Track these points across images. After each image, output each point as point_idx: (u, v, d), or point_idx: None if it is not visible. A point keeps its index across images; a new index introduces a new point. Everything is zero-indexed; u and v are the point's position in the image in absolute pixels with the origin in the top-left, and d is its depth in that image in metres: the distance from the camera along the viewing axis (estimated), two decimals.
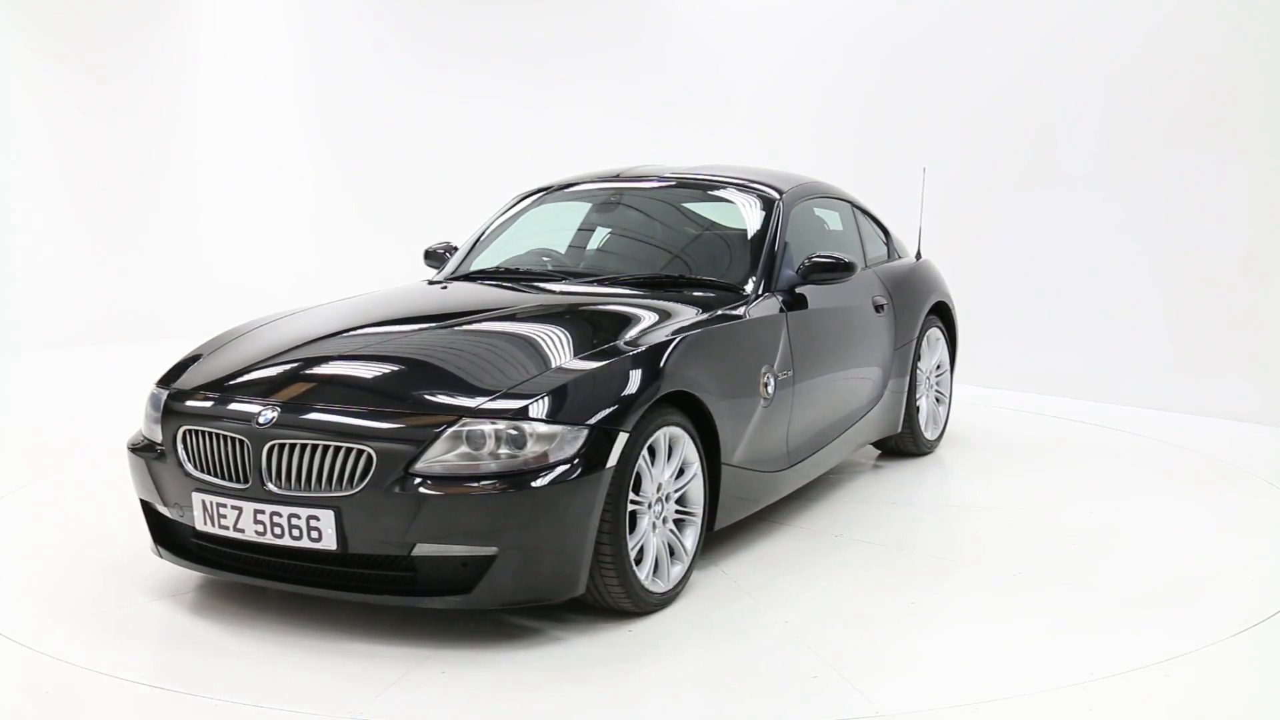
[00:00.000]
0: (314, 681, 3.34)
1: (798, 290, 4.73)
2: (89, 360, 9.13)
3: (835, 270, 4.67)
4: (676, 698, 3.31)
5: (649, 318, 4.18)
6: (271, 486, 3.52)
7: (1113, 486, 5.45)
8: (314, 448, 3.50)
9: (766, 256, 4.72)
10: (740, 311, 4.39)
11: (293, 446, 3.52)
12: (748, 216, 4.93)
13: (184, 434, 3.76)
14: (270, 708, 3.18)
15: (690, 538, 3.96)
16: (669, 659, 3.54)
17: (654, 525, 3.79)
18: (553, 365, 3.72)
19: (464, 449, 3.42)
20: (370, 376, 3.77)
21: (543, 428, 3.45)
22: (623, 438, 3.55)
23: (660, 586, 3.81)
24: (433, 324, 4.22)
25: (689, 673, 3.45)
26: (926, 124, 8.13)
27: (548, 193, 5.50)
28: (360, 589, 3.51)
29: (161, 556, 3.93)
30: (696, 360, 3.96)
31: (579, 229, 5.32)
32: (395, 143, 10.78)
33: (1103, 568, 4.35)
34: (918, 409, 5.75)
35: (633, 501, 3.67)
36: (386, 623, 3.72)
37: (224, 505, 3.58)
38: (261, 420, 3.58)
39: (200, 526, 3.67)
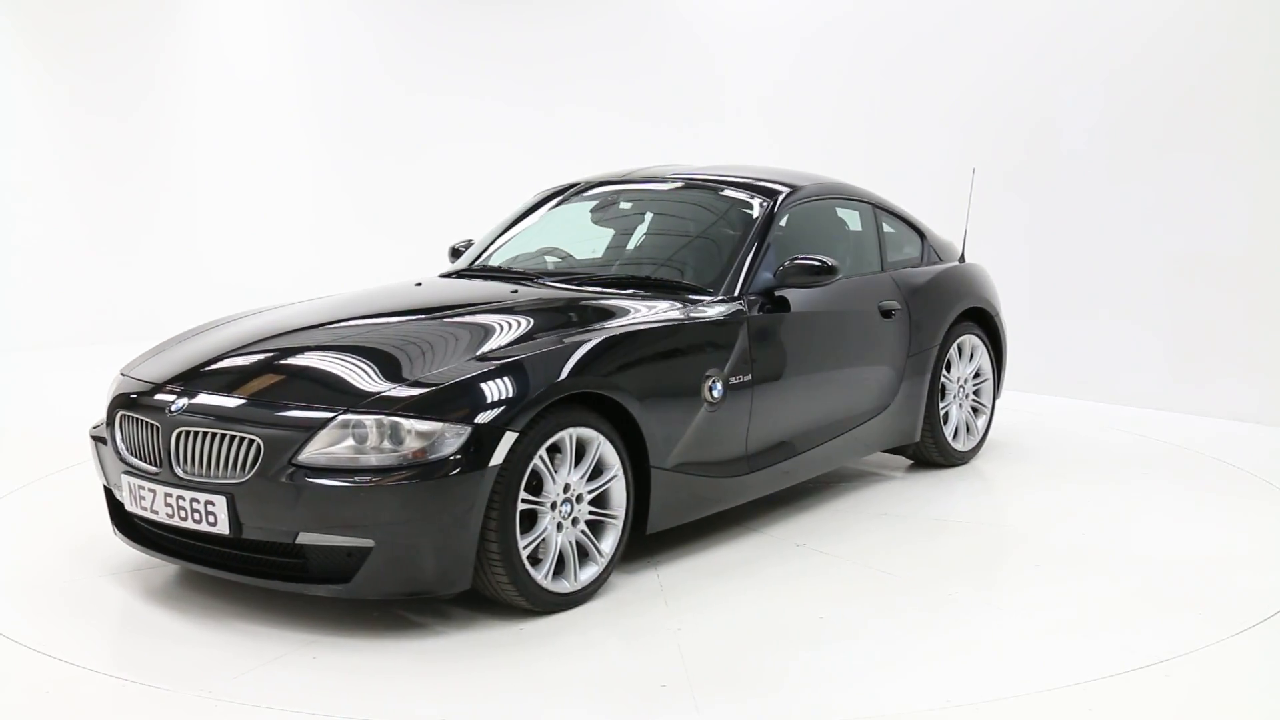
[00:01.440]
0: (188, 656, 3.54)
1: (778, 293, 4.67)
2: (89, 360, 9.12)
3: (814, 274, 4.61)
4: (515, 697, 3.29)
5: (586, 318, 4.24)
6: (179, 471, 3.72)
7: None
8: (213, 435, 3.68)
9: (740, 259, 4.68)
10: (683, 315, 4.36)
11: (196, 434, 3.71)
12: (735, 219, 4.91)
13: (120, 419, 4.00)
14: (135, 681, 3.33)
15: (609, 540, 3.97)
16: (536, 660, 3.52)
17: (559, 525, 3.81)
18: (459, 362, 3.80)
19: (349, 442, 3.54)
20: (282, 370, 3.92)
21: (421, 424, 3.54)
22: (510, 437, 3.59)
23: (565, 587, 3.84)
24: (374, 322, 4.35)
25: (543, 675, 3.42)
26: (928, 124, 8.13)
27: (570, 191, 5.49)
28: (257, 573, 3.67)
29: (118, 537, 4.14)
30: (617, 362, 3.97)
31: (580, 229, 5.34)
32: (395, 143, 10.78)
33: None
34: (944, 418, 5.59)
35: (532, 501, 3.71)
36: (286, 606, 3.85)
37: (144, 488, 3.80)
38: (174, 408, 3.79)
39: (128, 508, 3.92)
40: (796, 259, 4.65)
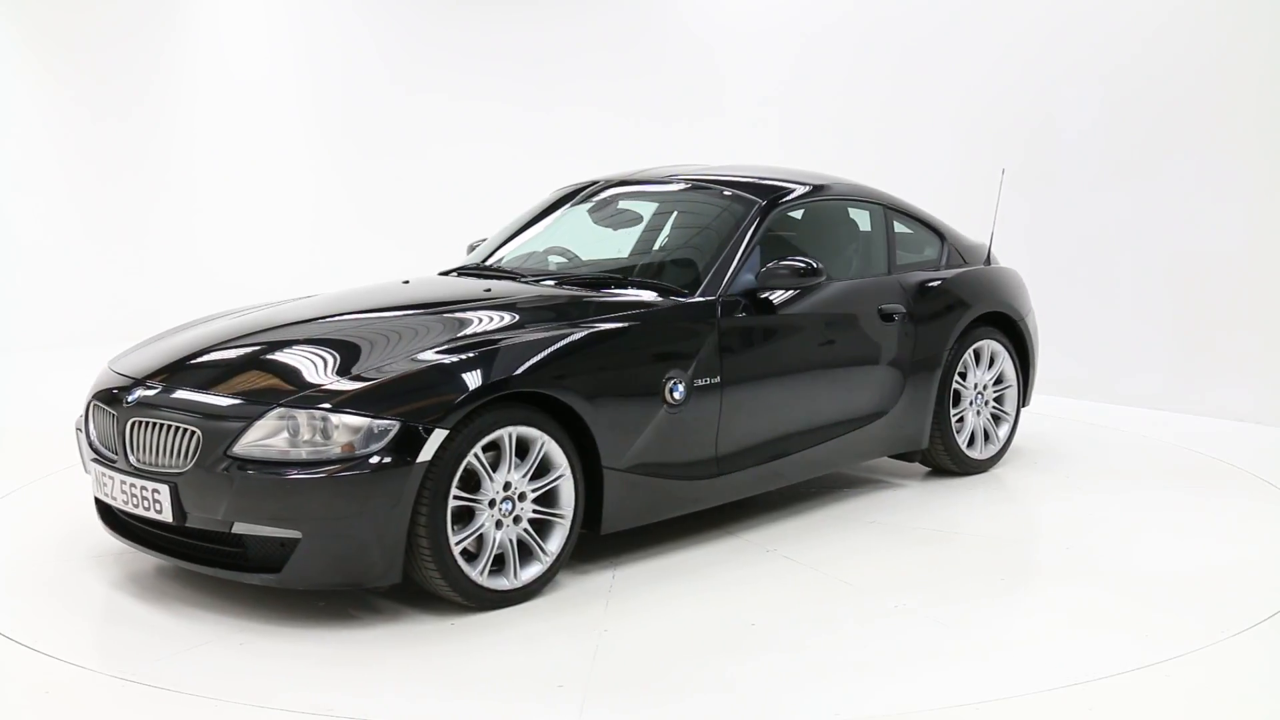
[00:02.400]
0: (121, 638, 3.71)
1: (762, 295, 4.64)
2: (89, 360, 9.09)
3: (797, 276, 4.58)
4: (406, 689, 3.34)
5: (543, 317, 4.26)
6: (132, 460, 3.87)
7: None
8: (160, 426, 3.82)
9: (719, 261, 4.65)
10: (645, 316, 4.35)
11: (146, 424, 3.86)
12: (724, 221, 4.89)
13: (91, 409, 4.17)
14: (68, 662, 3.44)
15: (556, 540, 3.99)
16: (446, 654, 3.57)
17: (498, 523, 3.84)
18: (399, 360, 3.85)
19: (283, 435, 3.64)
20: (238, 365, 4.03)
21: (350, 419, 3.61)
22: (439, 435, 3.64)
23: (504, 584, 3.87)
24: (343, 319, 4.39)
25: (446, 670, 3.46)
26: (927, 124, 8.13)
27: (587, 190, 5.46)
28: (202, 560, 3.81)
29: (101, 527, 4.25)
30: (565, 362, 3.98)
31: (587, 229, 5.34)
32: (395, 143, 10.78)
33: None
34: (957, 425, 5.43)
35: (467, 498, 3.75)
36: (227, 592, 3.97)
37: (106, 475, 3.98)
38: (129, 399, 3.94)
39: (95, 494, 4.10)
40: (778, 261, 4.62)
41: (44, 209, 9.89)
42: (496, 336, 4.01)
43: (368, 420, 3.61)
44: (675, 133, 9.35)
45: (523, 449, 3.89)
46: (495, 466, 3.83)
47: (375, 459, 3.57)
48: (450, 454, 3.67)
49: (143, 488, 3.79)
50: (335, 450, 3.58)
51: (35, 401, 7.71)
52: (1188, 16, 7.00)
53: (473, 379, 3.76)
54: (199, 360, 4.09)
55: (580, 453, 4.03)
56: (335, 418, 3.61)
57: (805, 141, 8.72)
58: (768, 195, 4.96)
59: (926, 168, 8.04)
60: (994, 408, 5.67)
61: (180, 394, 3.88)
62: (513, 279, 4.90)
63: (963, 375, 5.46)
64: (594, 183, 5.51)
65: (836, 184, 5.35)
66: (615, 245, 5.35)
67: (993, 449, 5.66)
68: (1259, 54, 6.74)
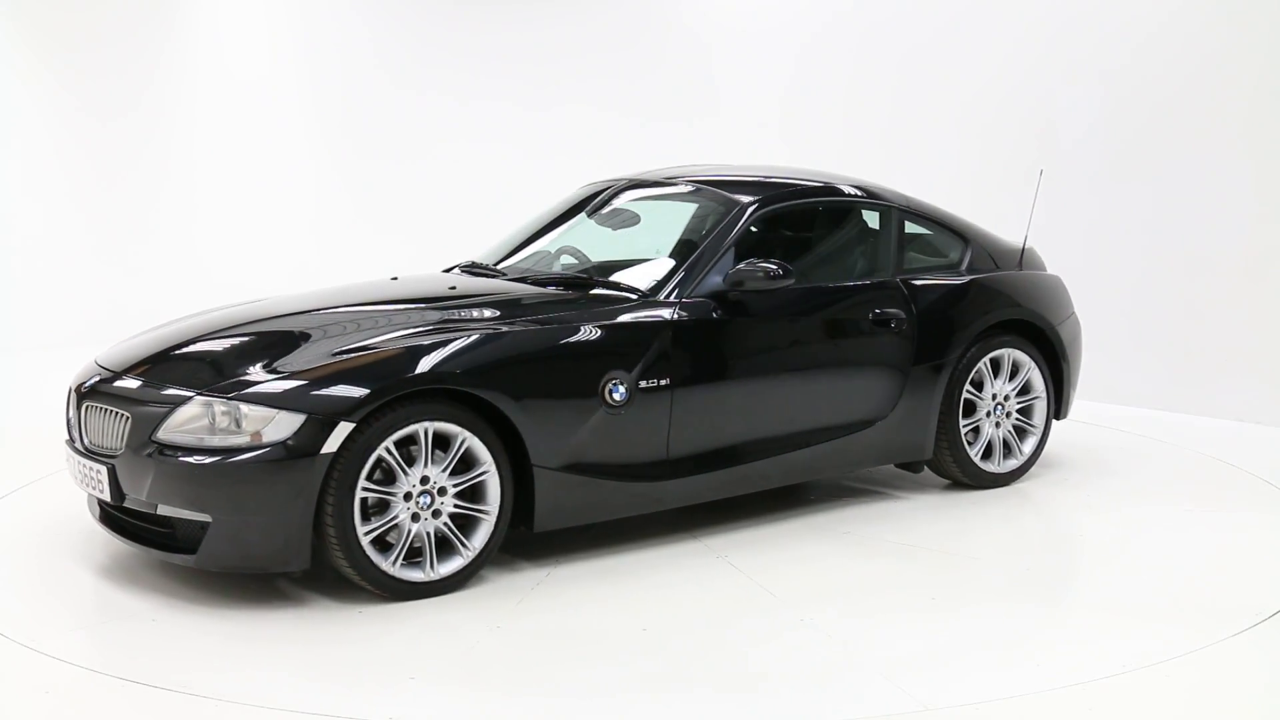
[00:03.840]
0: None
1: (731, 298, 4.58)
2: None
3: (767, 279, 4.53)
4: (266, 673, 3.44)
5: (486, 316, 4.33)
6: (85, 442, 4.15)
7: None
8: (103, 411, 4.07)
9: (692, 262, 4.62)
10: (585, 316, 4.36)
11: (94, 409, 4.12)
12: (704, 223, 4.87)
13: (69, 397, 4.37)
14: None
15: (480, 535, 4.04)
16: (329, 640, 3.66)
17: (414, 516, 3.92)
18: (324, 354, 3.97)
19: (202, 423, 3.81)
20: (185, 356, 4.20)
21: (257, 410, 3.78)
22: (345, 426, 3.75)
23: (418, 576, 3.95)
24: (302, 314, 4.46)
25: (318, 655, 3.57)
26: (929, 124, 8.13)
27: (607, 191, 5.40)
28: (140, 540, 4.03)
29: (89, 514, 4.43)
30: (490, 360, 4.04)
31: (592, 228, 5.34)
32: (395, 143, 10.77)
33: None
34: (971, 436, 5.21)
35: (378, 490, 3.85)
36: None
37: (70, 457, 4.24)
38: (85, 386, 4.21)
39: (69, 475, 4.33)
40: (745, 264, 4.57)
41: (44, 209, 9.88)
42: (422, 334, 4.08)
43: (275, 411, 3.76)
44: (675, 132, 9.35)
45: (445, 444, 3.96)
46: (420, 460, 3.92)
47: (281, 449, 3.72)
48: (359, 446, 3.79)
49: (90, 468, 4.05)
50: (245, 439, 3.75)
51: (35, 401, 7.70)
52: (1188, 15, 7.00)
53: (382, 374, 3.86)
54: (162, 352, 4.26)
55: (514, 450, 4.08)
56: (245, 407, 3.78)
57: (810, 141, 8.72)
58: (752, 196, 4.90)
59: (937, 166, 8.03)
60: (1018, 420, 5.40)
61: (122, 382, 4.11)
62: (493, 277, 4.98)
63: (978, 385, 5.23)
64: (616, 181, 5.46)
65: (840, 186, 5.25)
66: (620, 246, 5.34)
67: (1014, 463, 5.38)
68: (1262, 50, 6.73)
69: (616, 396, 4.25)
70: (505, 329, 4.18)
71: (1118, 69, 7.27)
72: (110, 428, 4.03)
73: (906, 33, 8.22)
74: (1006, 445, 5.37)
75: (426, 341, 4.02)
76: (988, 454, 5.31)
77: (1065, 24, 7.50)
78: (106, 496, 3.98)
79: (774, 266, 4.54)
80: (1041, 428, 5.46)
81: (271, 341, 4.21)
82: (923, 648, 3.66)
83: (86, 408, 4.16)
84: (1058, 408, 5.55)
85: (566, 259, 5.20)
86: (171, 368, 4.13)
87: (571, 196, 5.56)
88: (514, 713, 3.23)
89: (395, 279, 5.10)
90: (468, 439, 3.96)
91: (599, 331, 4.33)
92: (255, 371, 3.94)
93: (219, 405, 3.81)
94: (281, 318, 4.43)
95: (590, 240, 5.27)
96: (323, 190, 11.06)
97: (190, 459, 3.77)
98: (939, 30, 8.07)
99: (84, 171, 10.11)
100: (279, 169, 10.99)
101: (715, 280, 4.60)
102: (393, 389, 3.84)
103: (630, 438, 4.32)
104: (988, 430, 5.30)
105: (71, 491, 5.27)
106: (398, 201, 10.78)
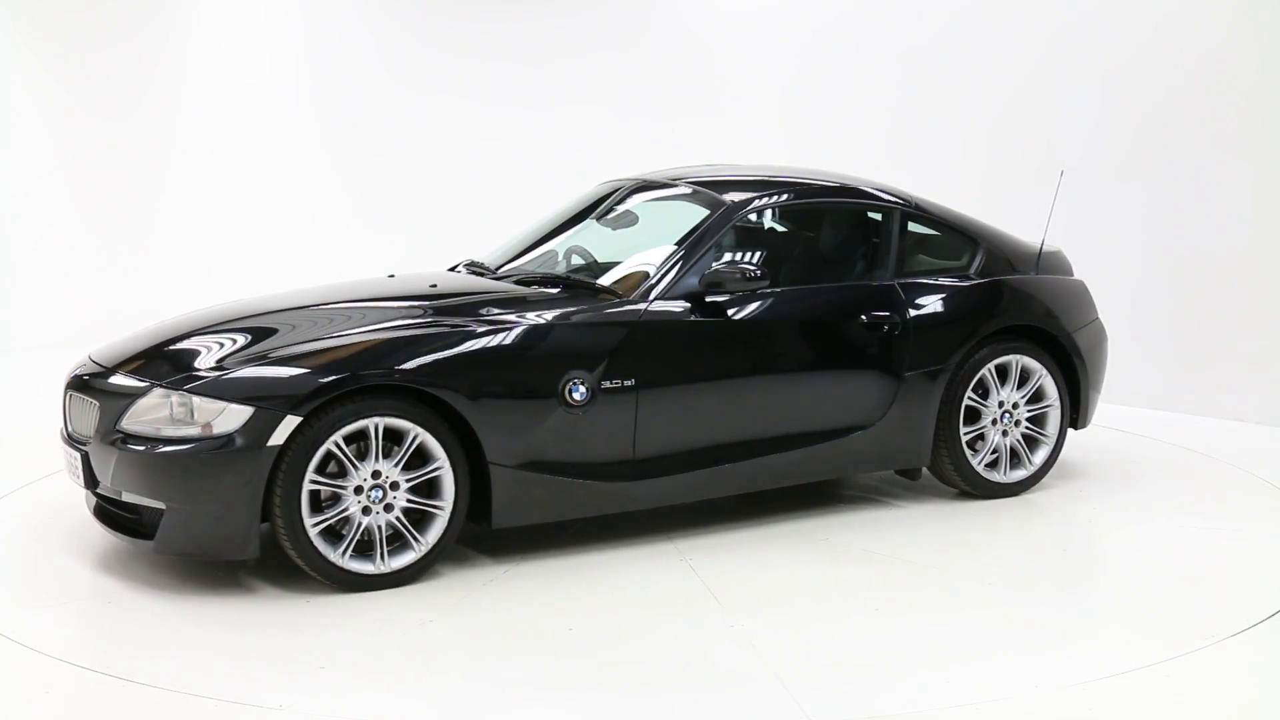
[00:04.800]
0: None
1: (707, 300, 4.55)
2: None
3: (738, 280, 4.50)
4: (195, 662, 3.52)
5: (449, 315, 4.35)
6: (70, 431, 4.31)
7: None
8: (82, 400, 4.23)
9: (666, 263, 4.60)
10: (548, 315, 4.37)
11: (75, 399, 4.29)
12: (686, 222, 4.86)
13: (64, 390, 4.47)
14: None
15: (434, 530, 4.11)
16: (270, 627, 3.77)
17: (365, 510, 4.00)
18: (282, 349, 4.08)
19: (162, 414, 3.95)
20: (162, 350, 4.30)
21: (207, 402, 3.91)
22: (291, 420, 3.85)
23: (369, 569, 4.03)
24: (284, 310, 4.55)
25: (256, 643, 3.66)
26: (929, 124, 8.13)
27: (622, 190, 5.36)
28: (115, 526, 4.14)
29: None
30: (445, 357, 4.10)
31: (598, 229, 5.34)
32: (395, 143, 10.77)
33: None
34: (971, 444, 5.05)
35: (326, 483, 3.95)
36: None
37: (62, 446, 4.39)
38: (72, 378, 4.36)
39: (65, 468, 4.42)
40: (719, 266, 4.56)
41: (44, 209, 9.88)
42: (380, 331, 4.17)
43: (224, 403, 3.88)
44: (675, 132, 9.34)
45: (400, 439, 4.02)
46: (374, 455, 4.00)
47: (230, 440, 3.84)
48: (306, 439, 3.89)
49: (71, 455, 4.24)
50: (197, 430, 3.87)
51: (35, 402, 7.70)
52: (1189, 15, 7.00)
53: (332, 369, 3.95)
54: (150, 347, 4.36)
55: (471, 447, 4.12)
56: (197, 399, 3.91)
57: (812, 141, 8.71)
58: (739, 196, 4.89)
59: (943, 166, 8.02)
60: (1028, 428, 5.21)
61: (100, 373, 4.27)
62: (483, 276, 5.03)
63: (981, 392, 5.08)
64: (626, 181, 5.43)
65: (839, 186, 5.19)
66: (624, 247, 5.31)
67: (1022, 473, 5.19)
68: (1262, 49, 6.73)
69: (576, 396, 4.26)
70: (465, 327, 4.23)
71: (1118, 69, 7.27)
72: (86, 417, 4.18)
73: (910, 31, 8.21)
74: (1015, 454, 5.21)
75: (381, 338, 4.10)
76: (996, 463, 5.16)
77: (1068, 21, 7.49)
78: (81, 483, 4.18)
79: (751, 267, 4.53)
80: (1055, 437, 5.26)
81: (246, 337, 4.29)
82: (843, 658, 3.59)
83: (70, 397, 4.32)
84: (1075, 417, 5.35)
85: (575, 259, 5.18)
86: (151, 361, 4.24)
87: (586, 195, 5.54)
88: (397, 706, 3.26)
89: (392, 276, 5.15)
90: (420, 435, 4.02)
91: (559, 331, 4.35)
92: (213, 365, 4.07)
93: (175, 397, 3.94)
94: (263, 315, 4.51)
95: (597, 241, 5.27)
96: (323, 190, 11.06)
97: (147, 448, 3.91)
98: (942, 28, 8.07)
99: (84, 172, 10.10)
100: (279, 169, 10.99)
101: (692, 281, 4.59)
102: (340, 385, 3.92)
103: (592, 437, 4.33)
104: (994, 438, 5.13)
105: (71, 491, 5.28)
106: (398, 201, 10.77)
